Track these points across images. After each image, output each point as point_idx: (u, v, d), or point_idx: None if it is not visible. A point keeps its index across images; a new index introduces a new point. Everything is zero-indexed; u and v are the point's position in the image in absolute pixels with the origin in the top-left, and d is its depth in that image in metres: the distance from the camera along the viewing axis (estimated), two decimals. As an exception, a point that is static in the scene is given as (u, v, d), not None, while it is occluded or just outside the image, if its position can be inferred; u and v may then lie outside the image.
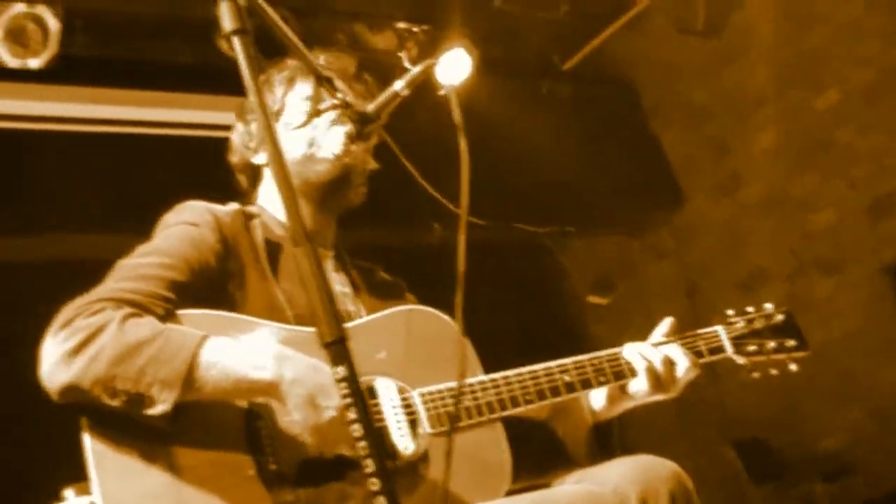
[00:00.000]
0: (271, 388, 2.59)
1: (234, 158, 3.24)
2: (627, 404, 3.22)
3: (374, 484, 1.90)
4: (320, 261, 2.02)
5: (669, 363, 3.15)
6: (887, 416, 7.12)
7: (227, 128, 3.30)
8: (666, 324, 3.29)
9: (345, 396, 1.94)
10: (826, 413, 7.40)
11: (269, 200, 3.16)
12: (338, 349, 1.94)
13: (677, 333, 3.27)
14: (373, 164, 3.13)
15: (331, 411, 2.57)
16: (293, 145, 3.06)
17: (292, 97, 3.13)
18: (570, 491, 2.64)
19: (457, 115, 2.59)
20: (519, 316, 7.91)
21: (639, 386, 3.14)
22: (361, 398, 1.94)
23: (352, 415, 1.92)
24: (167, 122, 6.07)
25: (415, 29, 6.21)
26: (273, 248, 2.99)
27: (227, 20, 2.18)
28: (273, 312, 2.83)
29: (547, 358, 3.13)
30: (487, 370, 3.04)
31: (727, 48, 7.82)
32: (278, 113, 3.12)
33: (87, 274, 2.77)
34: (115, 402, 2.50)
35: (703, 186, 8.10)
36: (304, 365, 2.62)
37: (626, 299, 8.38)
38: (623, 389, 3.18)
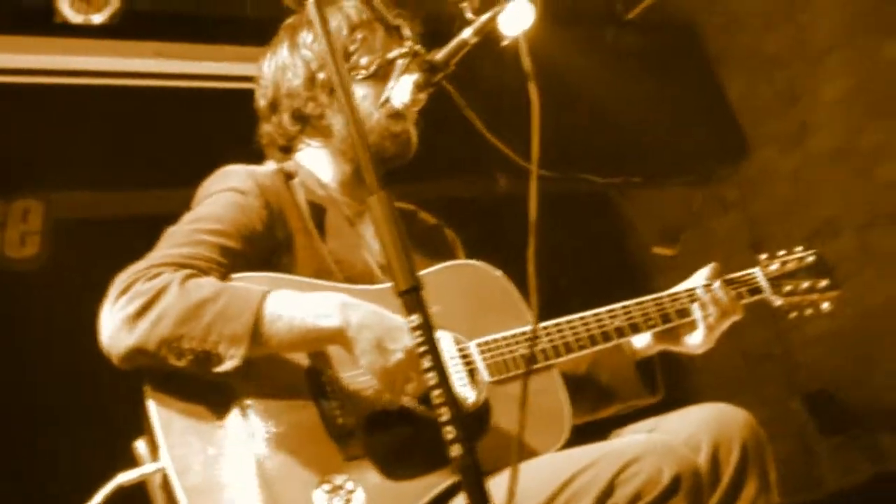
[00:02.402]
0: (338, 335, 2.59)
1: (283, 112, 3.16)
2: (670, 346, 3.30)
3: (450, 432, 1.89)
4: (395, 209, 2.00)
5: (719, 304, 3.22)
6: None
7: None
8: (709, 268, 3.34)
9: (419, 345, 1.93)
10: (895, 365, 7.32)
11: (310, 156, 3.14)
12: (412, 297, 1.94)
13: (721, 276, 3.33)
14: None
15: (399, 354, 2.57)
16: (359, 94, 3.03)
17: (359, 43, 3.10)
18: (641, 440, 2.63)
19: (526, 63, 2.56)
20: (584, 267, 7.90)
21: (695, 338, 3.24)
22: (435, 347, 1.93)
23: (426, 363, 1.91)
24: (230, 76, 6.07)
25: (479, -23, 6.16)
26: (317, 210, 2.98)
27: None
28: (322, 275, 2.84)
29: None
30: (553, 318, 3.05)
31: (795, -5, 7.70)
32: (345, 59, 3.07)
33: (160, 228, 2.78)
34: (181, 363, 2.51)
35: (770, 137, 7.98)
36: (368, 311, 2.62)
37: (692, 251, 8.30)
38: (670, 331, 3.23)
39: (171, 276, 2.57)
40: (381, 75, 3.05)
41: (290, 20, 3.19)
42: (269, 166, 3.06)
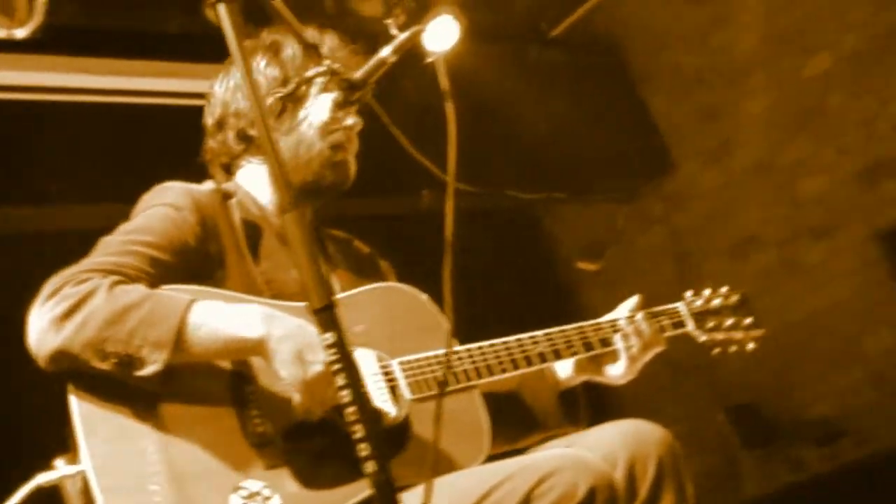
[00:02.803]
0: (259, 346, 2.61)
1: (229, 130, 3.18)
2: (592, 377, 3.35)
3: (364, 449, 1.91)
4: (309, 227, 2.02)
5: (642, 335, 3.28)
6: (879, 380, 7.15)
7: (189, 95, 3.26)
8: (633, 300, 3.38)
9: (333, 363, 1.94)
10: (818, 378, 7.43)
11: (251, 176, 3.16)
12: (327, 315, 1.94)
13: (645, 307, 3.37)
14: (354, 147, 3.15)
15: (318, 366, 2.59)
16: (304, 122, 3.08)
17: (278, 65, 3.12)
18: (558, 454, 2.67)
19: (443, 82, 2.60)
20: (509, 282, 7.94)
21: (617, 369, 3.29)
22: (350, 364, 1.95)
23: (341, 381, 1.93)
24: (154, 92, 6.04)
25: (403, -4, 6.18)
26: (251, 229, 3.00)
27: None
28: (251, 293, 2.85)
29: (536, 324, 3.22)
30: (477, 338, 3.09)
31: (717, 13, 7.80)
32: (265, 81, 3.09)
33: (73, 245, 2.79)
34: (105, 365, 2.53)
35: (693, 153, 8.09)
36: (292, 324, 2.64)
37: (616, 266, 8.38)
38: (591, 361, 3.29)
39: (100, 282, 2.61)
40: (300, 94, 3.06)
41: (246, 42, 3.20)
42: (208, 185, 3.07)
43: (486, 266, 7.46)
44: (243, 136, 3.13)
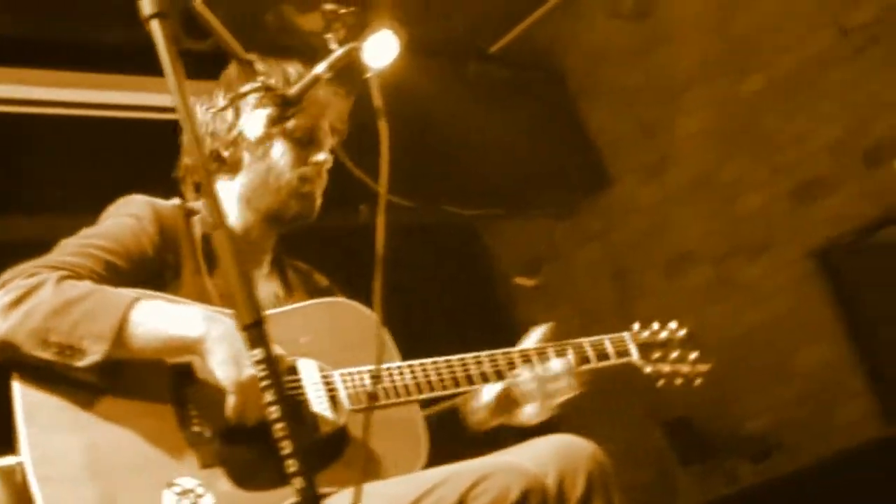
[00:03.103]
0: (197, 345, 2.64)
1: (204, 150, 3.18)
2: (508, 419, 3.31)
3: (292, 465, 1.92)
4: (237, 244, 2.02)
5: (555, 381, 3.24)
6: (813, 395, 7.24)
7: (156, 109, 3.27)
8: (542, 330, 3.35)
9: (262, 379, 1.95)
10: (753, 394, 7.50)
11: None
12: (255, 332, 1.95)
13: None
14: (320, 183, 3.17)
15: (252, 369, 2.59)
16: (277, 152, 3.10)
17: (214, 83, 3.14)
18: (490, 461, 2.71)
19: (377, 100, 2.62)
20: (447, 297, 7.95)
21: (528, 413, 3.25)
22: (279, 381, 1.95)
23: (269, 397, 1.93)
24: (93, 104, 6.01)
25: (342, 10, 6.18)
26: (210, 245, 3.01)
27: (146, 3, 2.16)
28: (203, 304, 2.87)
29: (475, 339, 3.27)
30: (416, 352, 3.12)
31: (654, 32, 7.90)
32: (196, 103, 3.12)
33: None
34: (46, 355, 2.57)
35: (631, 169, 8.16)
36: (230, 326, 2.66)
37: (554, 281, 8.44)
38: (506, 401, 3.25)
39: (49, 275, 2.66)
40: (305, 140, 3.11)
41: (230, 70, 3.20)
42: (173, 201, 3.09)
43: (425, 281, 7.48)
44: (217, 157, 3.14)
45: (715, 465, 7.50)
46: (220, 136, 3.14)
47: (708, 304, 7.61)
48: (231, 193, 3.15)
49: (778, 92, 7.34)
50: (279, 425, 1.92)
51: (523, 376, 3.20)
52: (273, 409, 1.93)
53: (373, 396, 2.84)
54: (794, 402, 7.33)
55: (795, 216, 7.31)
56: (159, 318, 2.66)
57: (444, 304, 7.75)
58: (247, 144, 3.11)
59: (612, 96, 8.20)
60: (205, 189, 2.08)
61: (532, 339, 3.33)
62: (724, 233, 7.69)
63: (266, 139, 3.09)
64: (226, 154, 3.13)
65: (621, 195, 8.23)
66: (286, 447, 1.92)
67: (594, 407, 7.55)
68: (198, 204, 3.14)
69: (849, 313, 7.14)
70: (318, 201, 3.18)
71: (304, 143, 3.12)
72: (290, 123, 3.09)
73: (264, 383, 1.95)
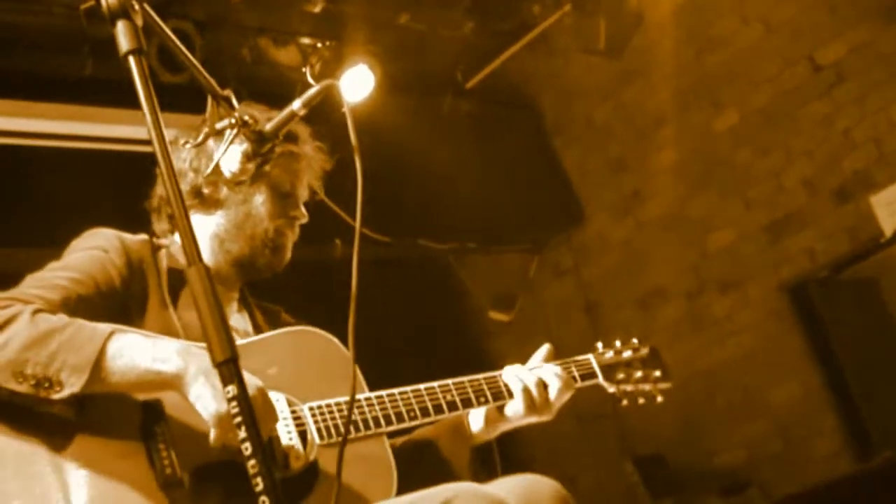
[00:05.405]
0: (175, 380, 2.63)
1: (186, 178, 3.17)
2: (505, 426, 3.34)
3: (265, 502, 1.91)
4: (212, 280, 2.03)
5: (543, 385, 3.28)
6: (784, 430, 7.26)
7: (128, 141, 3.27)
8: (543, 350, 3.41)
9: (235, 416, 1.95)
10: (724, 429, 7.53)
11: None
12: (229, 368, 1.95)
13: (557, 358, 3.40)
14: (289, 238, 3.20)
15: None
16: (258, 200, 3.13)
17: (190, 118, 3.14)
18: (454, 486, 2.71)
19: (353, 136, 2.63)
20: (420, 331, 7.95)
21: (515, 407, 3.27)
22: (252, 418, 1.95)
23: (242, 433, 1.93)
24: (70, 135, 6.01)
25: (319, 45, 6.20)
26: (175, 278, 3.02)
27: (123, 40, 2.17)
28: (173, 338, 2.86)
29: (448, 373, 3.25)
30: (388, 384, 3.12)
31: (628, 69, 7.96)
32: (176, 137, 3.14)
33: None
34: (21, 388, 2.53)
35: (604, 205, 8.21)
36: (207, 359, 2.63)
37: (527, 316, 8.46)
38: (500, 411, 3.30)
39: (23, 308, 2.64)
40: (284, 193, 3.15)
41: (209, 106, 3.20)
42: (140, 236, 3.09)
43: (399, 314, 7.48)
44: (196, 192, 3.16)
45: (687, 500, 7.50)
46: (202, 172, 3.14)
47: (680, 339, 7.64)
48: (205, 230, 3.15)
49: (751, 127, 7.40)
50: (251, 462, 1.92)
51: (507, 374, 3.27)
52: (245, 445, 1.93)
53: (345, 435, 2.84)
54: (767, 437, 7.35)
55: (768, 251, 7.36)
56: (135, 352, 2.64)
57: (418, 338, 7.75)
58: (226, 183, 3.12)
59: (587, 132, 8.25)
60: (180, 224, 2.09)
61: (536, 358, 3.38)
62: (697, 268, 7.72)
63: (246, 180, 3.11)
64: (206, 191, 3.14)
65: (594, 231, 8.27)
66: (258, 484, 1.91)
67: (567, 444, 7.61)
68: (165, 240, 3.14)
69: (821, 348, 7.17)
70: (289, 255, 3.21)
71: (283, 196, 3.15)
72: (274, 174, 3.13)
73: (237, 420, 1.94)
